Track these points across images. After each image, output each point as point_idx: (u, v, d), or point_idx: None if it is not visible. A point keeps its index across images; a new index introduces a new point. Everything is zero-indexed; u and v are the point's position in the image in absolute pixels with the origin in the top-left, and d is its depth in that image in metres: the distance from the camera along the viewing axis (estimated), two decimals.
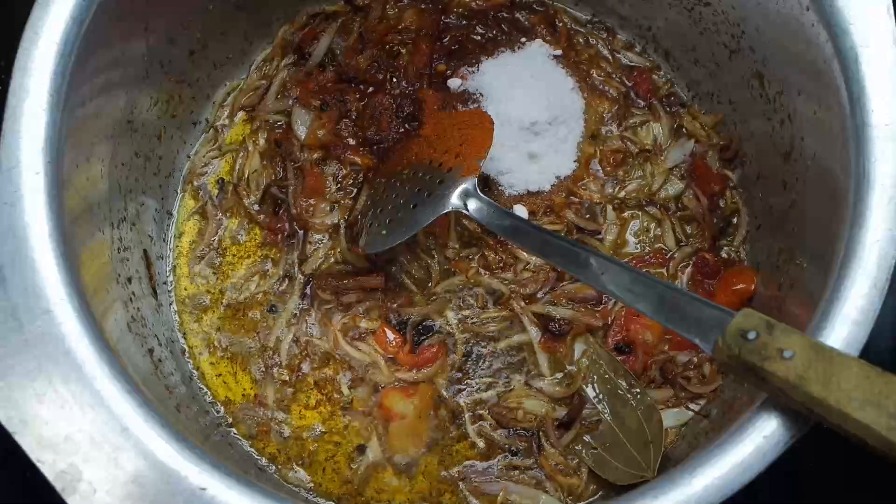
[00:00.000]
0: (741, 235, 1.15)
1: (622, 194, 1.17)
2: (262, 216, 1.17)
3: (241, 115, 1.22)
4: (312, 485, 1.06)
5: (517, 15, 1.25)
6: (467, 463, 1.06)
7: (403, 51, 1.22)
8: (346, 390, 1.09)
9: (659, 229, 1.17)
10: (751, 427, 0.79)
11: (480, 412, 1.08)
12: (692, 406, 1.08)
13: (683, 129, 1.21)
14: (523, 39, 1.23)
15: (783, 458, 0.78)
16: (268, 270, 1.15)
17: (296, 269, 1.14)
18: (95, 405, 0.78)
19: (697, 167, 1.18)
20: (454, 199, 1.03)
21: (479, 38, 1.23)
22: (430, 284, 1.13)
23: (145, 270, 1.08)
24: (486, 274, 1.13)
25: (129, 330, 0.97)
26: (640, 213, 1.17)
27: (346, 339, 1.11)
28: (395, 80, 1.20)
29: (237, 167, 1.19)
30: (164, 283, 1.13)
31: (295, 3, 1.24)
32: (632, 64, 1.25)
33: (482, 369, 1.10)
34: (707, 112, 1.21)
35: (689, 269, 1.15)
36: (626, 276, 0.88)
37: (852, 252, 0.83)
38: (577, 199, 1.16)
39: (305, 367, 1.10)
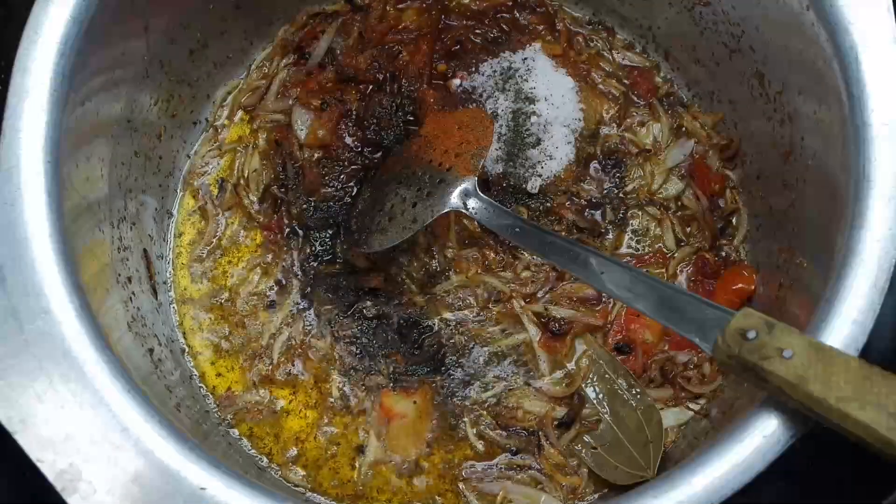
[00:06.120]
0: (741, 235, 1.15)
1: (622, 194, 1.18)
2: (261, 216, 1.17)
3: (240, 114, 1.22)
4: (312, 485, 1.06)
5: (517, 15, 1.25)
6: (467, 463, 1.06)
7: (403, 51, 1.22)
8: (346, 390, 1.09)
9: (659, 229, 1.17)
10: (751, 427, 0.79)
11: (480, 412, 1.08)
12: (692, 406, 1.08)
13: (683, 129, 1.21)
14: (523, 39, 1.23)
15: (783, 458, 0.78)
16: (267, 270, 1.15)
17: (295, 268, 1.14)
18: (95, 405, 0.78)
19: (697, 167, 1.18)
20: (454, 199, 1.03)
21: (479, 38, 1.23)
22: (429, 284, 1.13)
23: (145, 270, 1.08)
24: (486, 274, 1.13)
25: (129, 330, 0.97)
26: (640, 212, 1.17)
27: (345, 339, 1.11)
28: (395, 79, 1.20)
29: (237, 167, 1.19)
30: (164, 282, 1.13)
31: (295, 2, 1.24)
32: (632, 64, 1.25)
33: (482, 369, 1.10)
34: (707, 112, 1.21)
35: (689, 269, 1.15)
36: (626, 276, 0.88)
37: (852, 252, 0.83)
38: (577, 199, 1.16)
39: (305, 366, 1.10)
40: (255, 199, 1.17)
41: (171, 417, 0.82)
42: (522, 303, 1.11)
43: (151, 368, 0.99)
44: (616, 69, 1.24)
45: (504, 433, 1.07)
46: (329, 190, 1.17)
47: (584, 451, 1.05)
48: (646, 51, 1.26)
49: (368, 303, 1.12)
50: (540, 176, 1.15)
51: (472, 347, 1.10)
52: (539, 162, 1.15)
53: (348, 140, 1.18)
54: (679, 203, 1.18)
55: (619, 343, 1.10)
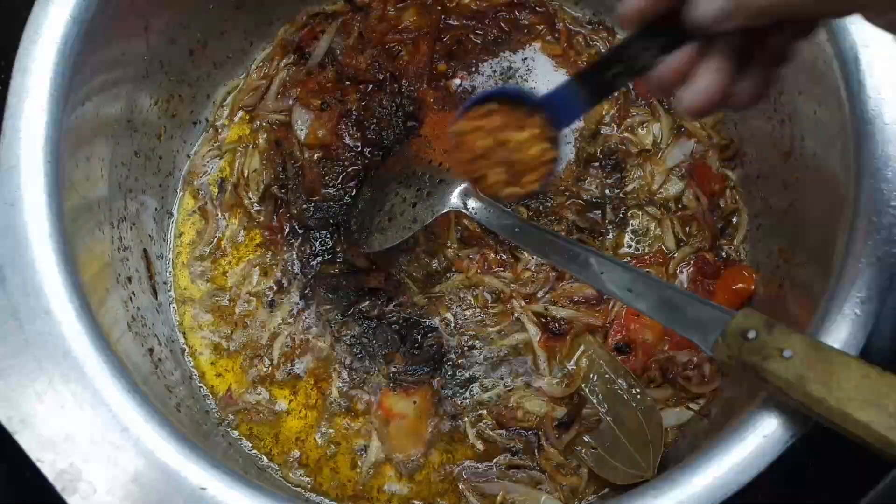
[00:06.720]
0: (741, 235, 1.15)
1: (622, 194, 1.18)
2: (261, 216, 1.17)
3: (240, 114, 1.22)
4: (312, 485, 1.06)
5: (517, 15, 1.25)
6: (467, 463, 1.06)
7: (403, 51, 1.22)
8: (346, 389, 1.09)
9: (659, 229, 1.17)
10: (751, 427, 0.79)
11: (480, 412, 1.08)
12: (692, 406, 1.08)
13: (683, 129, 1.21)
14: (523, 39, 1.23)
15: (783, 458, 0.78)
16: (267, 270, 1.15)
17: (295, 268, 1.15)
18: (95, 405, 0.79)
19: (697, 167, 1.18)
20: (454, 199, 1.03)
21: (479, 38, 1.23)
22: (430, 284, 1.13)
23: (145, 270, 1.08)
24: (486, 274, 1.13)
25: (129, 329, 0.97)
26: (640, 212, 1.17)
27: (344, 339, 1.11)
28: (395, 79, 1.20)
29: (237, 167, 1.19)
30: (164, 282, 1.13)
31: (295, 2, 1.24)
32: None
33: (482, 369, 1.10)
34: None
35: (689, 269, 1.15)
36: (626, 276, 0.88)
37: (852, 252, 0.83)
38: (577, 199, 1.16)
39: (304, 366, 1.10)
40: (255, 199, 1.17)
41: (171, 417, 0.82)
42: (522, 303, 1.11)
43: (151, 368, 0.99)
44: None
45: (504, 433, 1.07)
46: (329, 190, 1.17)
47: (584, 451, 1.05)
48: None
49: (368, 303, 1.12)
50: None
51: (472, 347, 1.10)
52: None
53: (348, 140, 1.18)
54: (679, 203, 1.18)
55: (619, 343, 1.10)
